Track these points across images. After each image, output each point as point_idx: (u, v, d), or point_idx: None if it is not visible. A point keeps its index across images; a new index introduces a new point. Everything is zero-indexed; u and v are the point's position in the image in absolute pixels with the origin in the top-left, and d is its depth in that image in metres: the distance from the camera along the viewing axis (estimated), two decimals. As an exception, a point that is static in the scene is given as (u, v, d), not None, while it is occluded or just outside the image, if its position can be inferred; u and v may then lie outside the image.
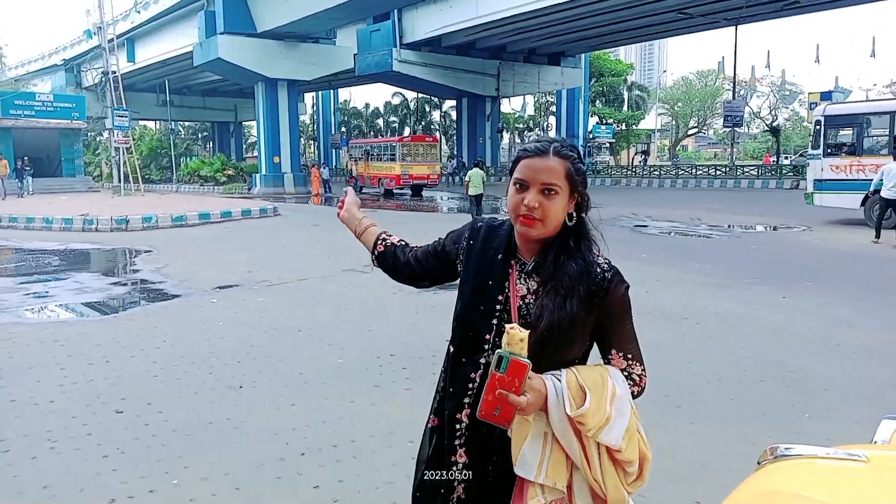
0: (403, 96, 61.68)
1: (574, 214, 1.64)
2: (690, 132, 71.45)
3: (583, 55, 44.32)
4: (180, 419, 4.35)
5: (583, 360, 1.64)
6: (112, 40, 29.27)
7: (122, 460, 3.76)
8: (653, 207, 21.17)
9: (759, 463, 1.43)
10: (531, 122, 63.88)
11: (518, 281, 1.64)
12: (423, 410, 1.86)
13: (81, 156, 37.46)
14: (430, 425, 1.78)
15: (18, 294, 8.78)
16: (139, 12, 39.52)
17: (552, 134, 52.70)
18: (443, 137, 60.24)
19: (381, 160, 31.60)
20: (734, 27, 33.19)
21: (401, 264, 1.94)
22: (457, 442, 1.67)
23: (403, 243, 1.98)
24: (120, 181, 27.35)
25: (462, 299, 1.72)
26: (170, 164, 41.27)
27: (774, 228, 15.68)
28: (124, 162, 27.31)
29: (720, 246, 13.07)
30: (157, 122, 57.69)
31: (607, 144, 53.71)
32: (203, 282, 9.25)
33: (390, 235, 2.00)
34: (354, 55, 35.46)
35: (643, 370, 1.66)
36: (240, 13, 31.72)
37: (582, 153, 1.84)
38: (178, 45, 38.37)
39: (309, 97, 59.79)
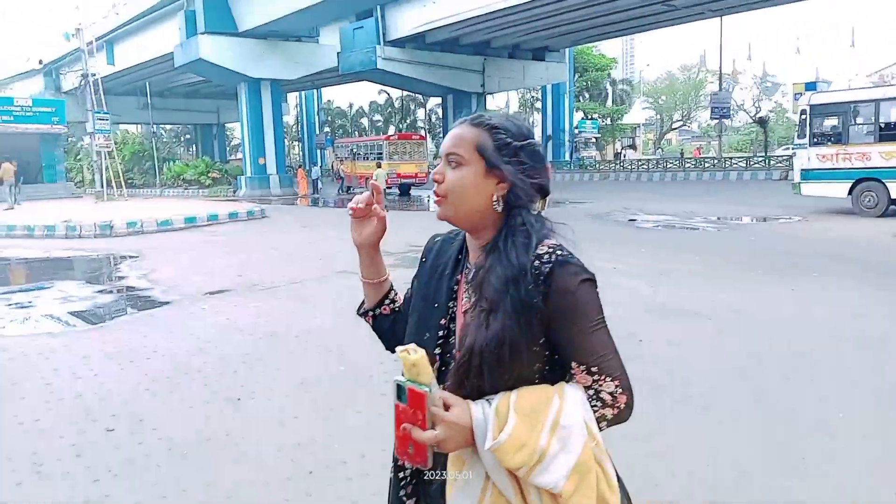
0: (388, 95, 61.31)
1: (500, 201, 1.33)
2: (675, 125, 71.57)
3: (567, 50, 44.14)
4: (176, 436, 4.07)
5: (554, 377, 1.30)
6: (91, 43, 28.77)
7: (115, 484, 3.48)
8: (644, 201, 21.02)
9: None
10: (516, 118, 63.64)
11: (465, 294, 1.37)
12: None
13: (63, 161, 36.84)
14: (390, 475, 1.52)
15: (0, 305, 8.43)
16: (118, 13, 38.89)
17: (538, 130, 52.65)
18: (429, 136, 59.99)
19: (367, 160, 31.28)
20: (719, 18, 33.16)
21: (397, 332, 1.57)
22: (402, 493, 1.43)
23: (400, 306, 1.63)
24: (103, 186, 26.84)
25: (409, 322, 1.48)
26: (153, 169, 40.68)
27: (767, 220, 15.56)
28: (107, 167, 26.82)
29: (718, 238, 12.92)
30: (139, 125, 56.94)
31: (593, 139, 53.67)
32: (192, 287, 8.94)
33: (396, 295, 1.62)
34: (338, 53, 35.08)
35: (621, 386, 1.26)
36: (221, 12, 31.22)
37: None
38: (158, 46, 37.76)
39: (292, 98, 59.27)
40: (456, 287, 1.40)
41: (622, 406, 1.26)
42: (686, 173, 34.41)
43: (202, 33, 31.19)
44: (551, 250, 1.28)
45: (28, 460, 3.80)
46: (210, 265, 11.03)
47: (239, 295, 8.36)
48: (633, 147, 49.29)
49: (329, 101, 66.76)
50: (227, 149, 62.27)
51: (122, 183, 27.31)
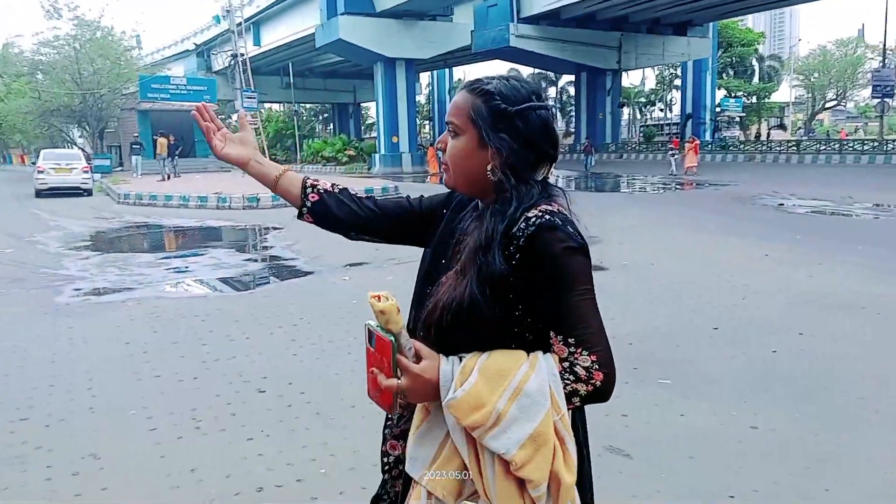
0: (518, 73, 60.73)
1: (495, 170, 1.27)
2: (828, 105, 66.10)
3: (711, 24, 41.74)
4: (322, 402, 4.15)
5: (541, 346, 1.24)
6: (239, 24, 30.33)
7: (268, 444, 3.59)
8: (794, 185, 19.51)
9: None
10: (653, 95, 61.27)
11: None
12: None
13: (213, 137, 39.18)
14: None
15: (160, 269, 9.07)
16: (264, -5, 40.82)
17: (676, 108, 50.32)
18: (559, 114, 58.89)
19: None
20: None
21: (349, 213, 1.52)
22: (386, 431, 1.49)
23: (340, 188, 1.56)
24: (249, 161, 28.32)
25: (417, 276, 1.48)
26: (294, 146, 42.58)
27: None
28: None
29: (884, 227, 11.75)
30: (282, 104, 59.71)
31: (737, 119, 50.61)
32: (333, 259, 9.20)
33: (317, 180, 1.57)
34: (471, 32, 35.03)
35: (598, 362, 1.19)
36: (360, -7, 32.05)
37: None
38: (300, 27, 39.31)
39: (424, 77, 60.01)
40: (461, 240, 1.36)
41: (598, 383, 1.20)
42: (842, 156, 31.62)
43: (342, 14, 32.13)
44: (540, 214, 1.22)
45: (188, 416, 4.01)
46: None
47: (377, 267, 8.51)
48: (781, 127, 46.04)
49: (459, 80, 67.02)
50: (363, 127, 64.15)
51: (268, 158, 28.72)
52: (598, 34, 36.99)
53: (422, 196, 1.59)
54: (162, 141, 26.24)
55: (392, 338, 1.18)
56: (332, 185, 1.56)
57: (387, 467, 1.49)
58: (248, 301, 7.07)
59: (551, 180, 1.35)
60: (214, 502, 3.05)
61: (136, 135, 30.08)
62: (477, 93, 1.29)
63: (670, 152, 26.77)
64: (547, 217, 1.22)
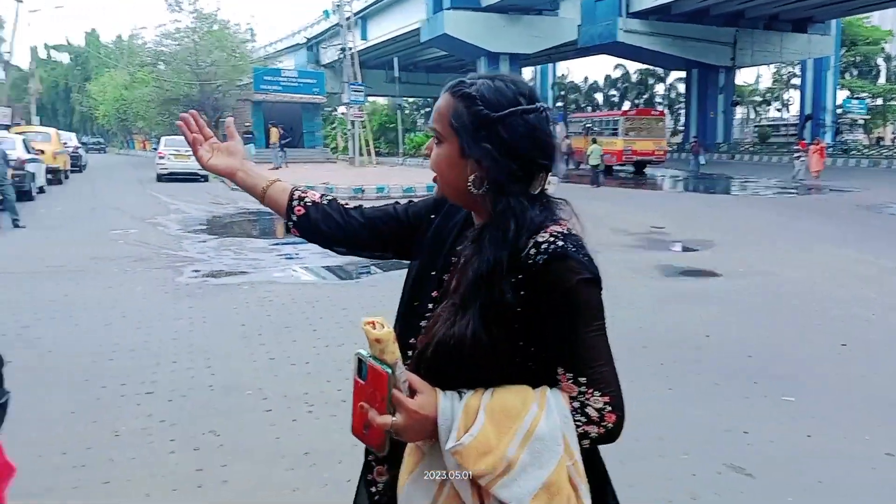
0: (625, 69, 59.23)
1: (477, 183, 1.14)
2: (966, 108, 60.91)
3: (833, 21, 39.28)
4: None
5: (543, 378, 1.13)
6: (349, 18, 31.06)
7: (378, 434, 3.62)
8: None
9: None
10: (769, 94, 58.33)
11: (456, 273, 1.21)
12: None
13: (320, 129, 40.45)
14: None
15: (271, 255, 9.40)
16: (372, -10, 41.71)
17: (794, 108, 47.79)
18: (668, 112, 57.10)
19: (602, 135, 30.46)
20: None
21: (335, 226, 1.41)
22: (371, 458, 1.32)
23: (329, 199, 1.45)
24: (354, 153, 29.08)
25: (402, 292, 1.35)
26: (396, 139, 43.31)
27: None
28: (358, 135, 28.96)
29: None
30: (386, 98, 60.86)
31: (860, 121, 47.41)
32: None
33: (305, 192, 1.45)
34: (578, 27, 34.49)
35: (611, 403, 1.10)
36: (465, -13, 32.18)
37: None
38: (406, 22, 39.89)
39: (527, 72, 59.62)
40: (454, 260, 1.23)
41: (610, 425, 1.11)
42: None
43: (447, 9, 32.35)
44: (552, 240, 1.11)
45: (301, 399, 4.11)
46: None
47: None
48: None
49: (562, 75, 66.15)
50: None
51: (372, 151, 29.36)
52: (711, 30, 35.60)
53: (410, 202, 1.47)
54: (274, 131, 27.27)
55: (388, 369, 1.06)
56: (322, 196, 1.46)
57: (376, 497, 1.32)
58: (354, 290, 7.22)
59: (550, 190, 1.21)
60: (327, 486, 3.11)
61: (248, 124, 31.28)
62: (459, 96, 1.17)
63: (796, 155, 24.92)
64: (559, 244, 1.10)
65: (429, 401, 1.08)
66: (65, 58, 75.92)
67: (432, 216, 1.38)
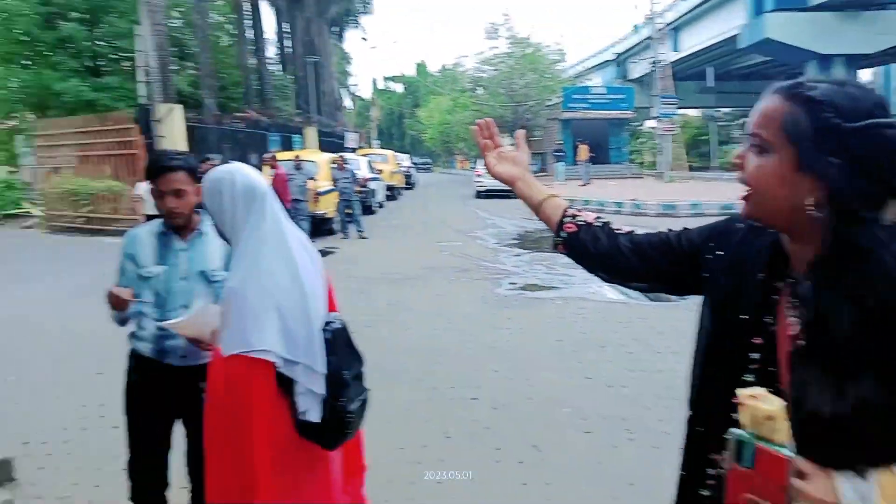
0: None
1: (819, 207, 0.96)
2: None
3: None
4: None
5: None
6: (661, 30, 30.26)
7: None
8: None
9: None
10: None
11: (789, 312, 1.04)
12: None
13: (627, 144, 40.00)
14: None
15: (581, 271, 9.28)
16: (684, 0, 40.10)
17: None
18: None
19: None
20: None
21: (603, 250, 1.32)
22: None
23: (603, 222, 1.36)
24: (663, 168, 28.21)
25: (699, 338, 1.19)
26: (708, 152, 41.07)
27: None
28: (669, 149, 28.06)
29: None
30: (697, 109, 58.12)
31: None
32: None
33: (580, 210, 1.40)
34: (939, 16, 29.30)
35: None
36: (792, -13, 29.36)
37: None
38: (720, 30, 37.66)
39: (866, 74, 52.24)
40: (776, 297, 1.06)
41: None
42: None
43: (770, 11, 29.86)
44: None
45: (620, 425, 4.02)
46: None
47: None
48: None
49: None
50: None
51: (684, 165, 28.26)
52: None
53: (684, 228, 1.30)
54: (584, 147, 27.68)
55: (789, 453, 0.90)
56: (596, 217, 1.38)
57: None
58: (668, 312, 6.90)
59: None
60: (653, 522, 2.96)
61: (559, 142, 32.18)
62: (797, 100, 0.98)
63: None
64: None
65: (826, 485, 0.92)
66: (399, 87, 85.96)
67: (710, 244, 1.22)
